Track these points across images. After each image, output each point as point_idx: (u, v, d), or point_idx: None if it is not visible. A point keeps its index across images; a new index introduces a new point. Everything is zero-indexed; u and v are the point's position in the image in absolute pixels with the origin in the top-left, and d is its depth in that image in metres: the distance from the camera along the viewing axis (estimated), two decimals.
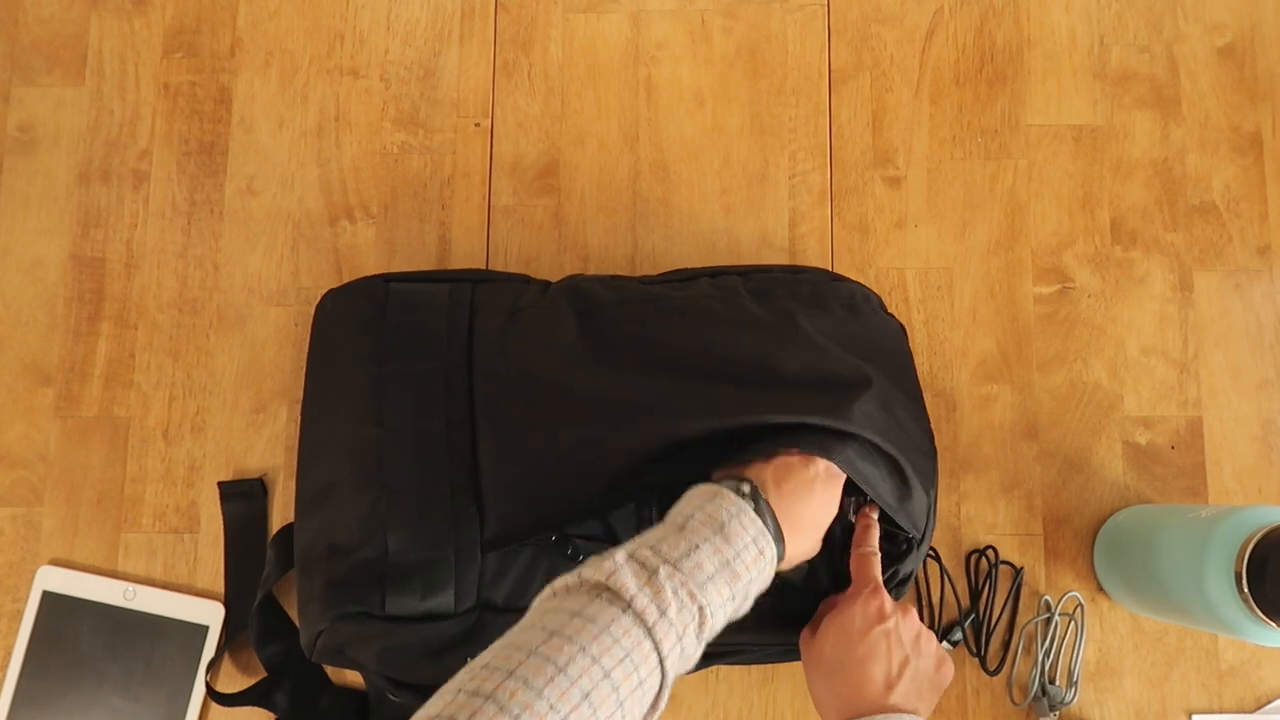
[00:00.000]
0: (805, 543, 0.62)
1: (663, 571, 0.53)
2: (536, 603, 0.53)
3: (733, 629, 0.60)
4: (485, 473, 0.68)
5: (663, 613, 0.51)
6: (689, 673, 0.55)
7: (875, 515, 0.70)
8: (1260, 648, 0.81)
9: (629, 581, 0.51)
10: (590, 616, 0.50)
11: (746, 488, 0.59)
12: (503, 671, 0.46)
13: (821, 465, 0.62)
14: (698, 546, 0.55)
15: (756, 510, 0.58)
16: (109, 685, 0.80)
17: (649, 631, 0.50)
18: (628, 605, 0.51)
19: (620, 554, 0.54)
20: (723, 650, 0.72)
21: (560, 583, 0.53)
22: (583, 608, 0.50)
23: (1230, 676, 0.81)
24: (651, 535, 0.56)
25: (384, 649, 0.66)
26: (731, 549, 0.55)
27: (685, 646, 0.52)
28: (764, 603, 0.60)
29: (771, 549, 0.57)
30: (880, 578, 0.67)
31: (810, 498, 0.61)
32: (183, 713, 0.80)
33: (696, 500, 0.58)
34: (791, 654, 0.74)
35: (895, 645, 0.64)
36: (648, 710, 0.51)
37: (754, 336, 0.70)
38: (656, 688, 0.51)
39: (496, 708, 0.44)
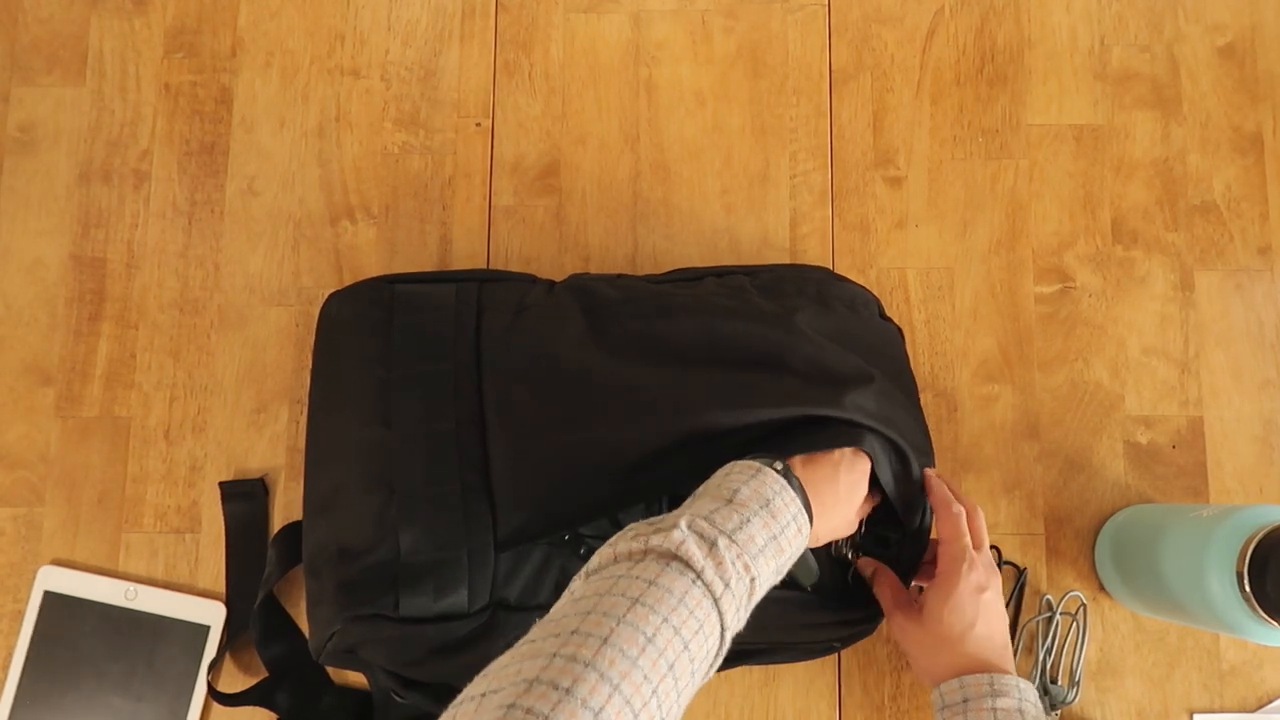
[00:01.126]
0: (835, 520, 0.63)
1: (721, 543, 0.53)
2: (598, 563, 0.54)
3: (760, 627, 0.61)
4: (496, 472, 0.68)
5: (726, 585, 0.52)
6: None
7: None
8: (1261, 647, 0.81)
9: (695, 552, 0.52)
10: (666, 587, 0.51)
11: (780, 465, 0.60)
12: (597, 639, 0.47)
13: (839, 452, 0.64)
14: (749, 520, 0.56)
15: (793, 488, 0.59)
16: (110, 685, 0.80)
17: (716, 603, 0.52)
18: (698, 576, 0.52)
19: (682, 522, 0.54)
20: (750, 650, 0.72)
21: (623, 546, 0.54)
22: (656, 577, 0.51)
23: (1232, 676, 0.81)
24: (701, 506, 0.56)
25: (396, 650, 0.66)
26: (778, 524, 0.57)
27: (740, 619, 0.54)
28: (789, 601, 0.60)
29: (807, 527, 0.59)
30: (969, 545, 0.68)
31: (835, 479, 0.63)
32: (184, 713, 0.80)
33: (740, 475, 0.59)
34: (799, 655, 0.74)
35: (1000, 613, 0.67)
36: (702, 678, 0.53)
37: (761, 331, 0.70)
38: (714, 657, 0.53)
39: (598, 675, 0.45)
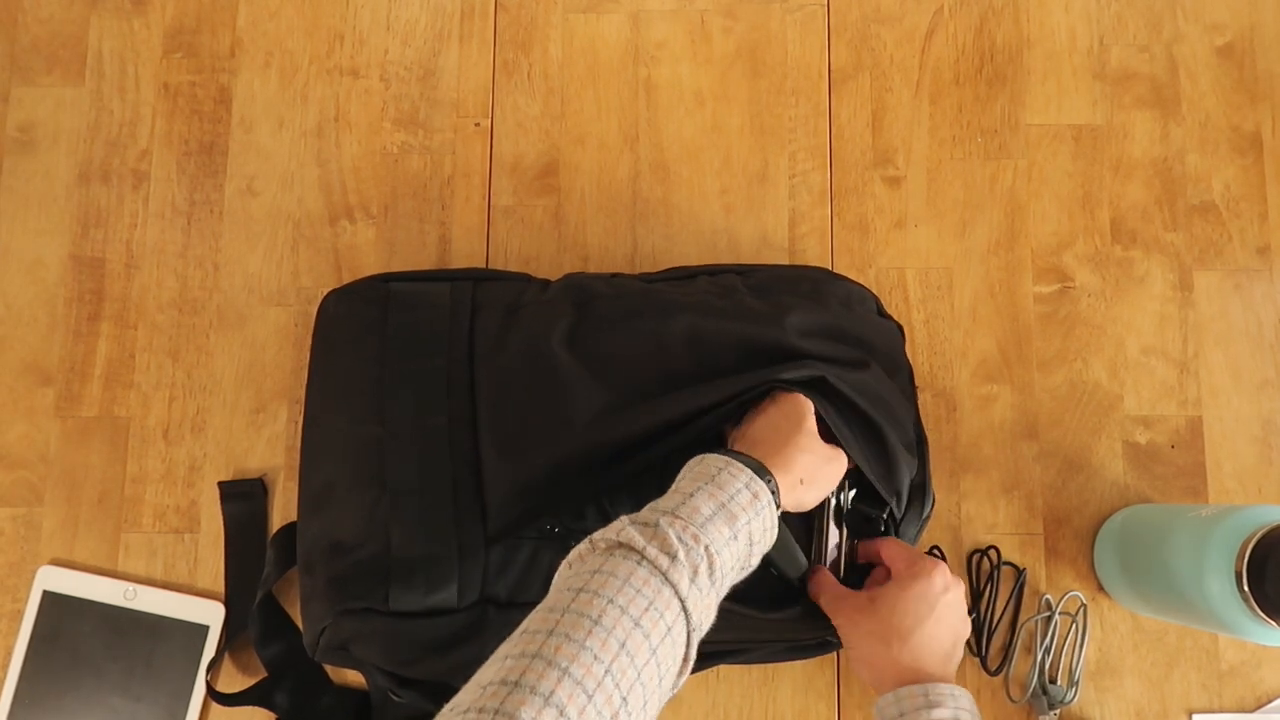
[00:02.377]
0: (804, 464, 0.63)
1: (663, 521, 0.55)
2: (558, 575, 0.55)
3: (734, 627, 0.61)
4: (487, 468, 0.68)
5: (673, 557, 0.53)
6: (698, 666, 0.56)
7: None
8: (1260, 647, 0.81)
9: (635, 536, 0.54)
10: (610, 571, 0.52)
11: (718, 449, 0.61)
12: (543, 633, 0.49)
13: (788, 403, 0.65)
14: (692, 495, 0.57)
15: (741, 461, 0.60)
16: (109, 685, 0.80)
17: (665, 577, 0.52)
18: (641, 556, 0.53)
19: (624, 518, 0.56)
20: (727, 649, 0.73)
21: (574, 552, 0.55)
22: (601, 565, 0.53)
23: (1230, 676, 0.81)
24: (648, 504, 0.58)
25: (388, 645, 0.66)
26: (725, 493, 0.57)
27: (701, 588, 0.54)
28: (763, 597, 0.60)
29: (765, 491, 0.59)
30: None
31: (790, 435, 0.64)
32: (183, 713, 0.80)
33: (685, 468, 0.61)
34: (795, 653, 0.74)
35: (958, 618, 0.67)
36: (680, 664, 0.53)
37: (748, 329, 0.71)
38: (684, 638, 0.53)
39: (545, 663, 0.47)
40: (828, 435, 0.67)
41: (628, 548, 0.53)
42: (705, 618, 0.55)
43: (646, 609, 0.51)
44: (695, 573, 0.54)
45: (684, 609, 0.53)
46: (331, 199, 0.88)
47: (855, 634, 0.66)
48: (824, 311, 0.74)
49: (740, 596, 0.62)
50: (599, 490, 0.68)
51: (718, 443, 0.68)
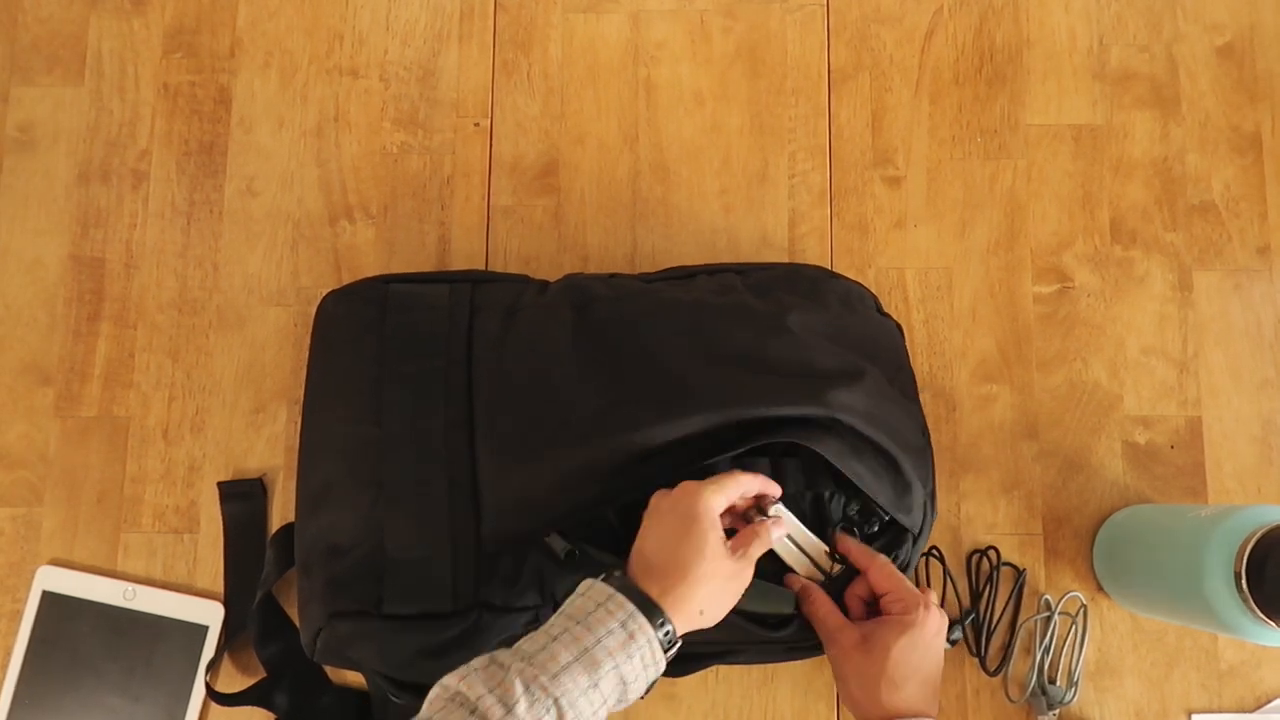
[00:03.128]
0: (707, 586, 0.60)
1: (514, 668, 0.54)
2: (424, 705, 0.55)
3: (726, 627, 0.61)
4: (483, 472, 0.68)
5: (509, 709, 0.52)
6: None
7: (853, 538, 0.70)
8: (1260, 647, 0.81)
9: (478, 683, 0.53)
10: None
11: (617, 572, 0.60)
12: None
13: (684, 513, 0.61)
14: (555, 639, 0.56)
15: (624, 592, 0.58)
16: (109, 685, 0.80)
17: None
18: (474, 707, 0.52)
19: (483, 657, 0.55)
20: (721, 650, 0.72)
21: (431, 693, 0.55)
22: (432, 715, 0.53)
23: (1230, 676, 0.81)
24: (526, 637, 0.57)
25: (383, 648, 0.66)
26: (592, 636, 0.56)
27: None
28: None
29: (646, 628, 0.57)
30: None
31: (689, 562, 0.59)
32: (182, 713, 0.80)
33: (572, 596, 0.59)
34: (794, 653, 0.74)
35: (941, 650, 0.66)
36: None
37: (745, 331, 0.70)
38: None
39: None
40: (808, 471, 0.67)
41: (464, 697, 0.53)
42: None
43: None
44: None
45: None
46: (331, 199, 0.88)
47: (846, 668, 0.65)
48: (824, 311, 0.73)
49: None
50: (594, 501, 0.67)
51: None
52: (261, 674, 0.79)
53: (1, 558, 0.83)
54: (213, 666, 0.80)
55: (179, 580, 0.83)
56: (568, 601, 0.59)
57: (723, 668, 0.81)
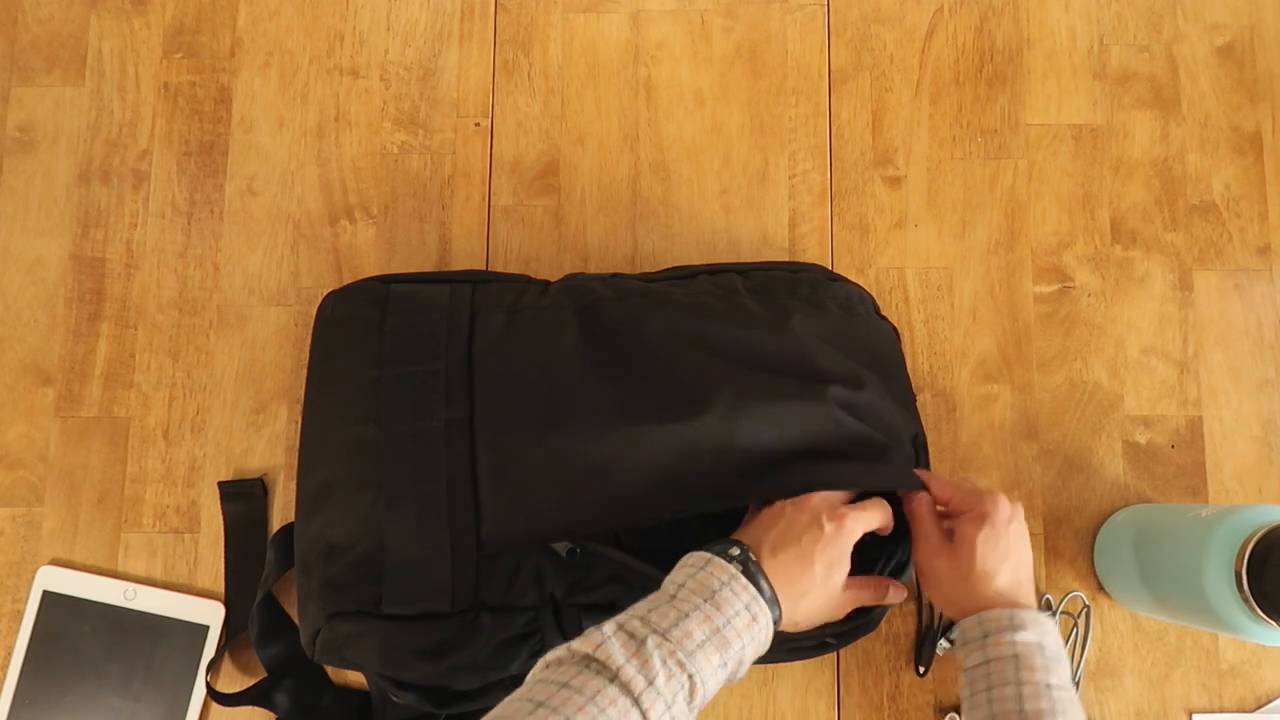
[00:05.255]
0: (814, 603, 0.61)
1: (651, 641, 0.53)
2: (529, 677, 0.54)
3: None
4: (483, 474, 0.68)
5: (650, 682, 0.52)
6: None
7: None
8: (1260, 647, 0.81)
9: (616, 652, 0.52)
10: (577, 687, 0.51)
11: (736, 551, 0.59)
12: None
13: (835, 540, 0.61)
14: (687, 615, 0.55)
15: (747, 575, 0.58)
16: (109, 685, 0.80)
17: (636, 701, 0.51)
18: (614, 675, 0.52)
19: (610, 625, 0.55)
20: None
21: (551, 655, 0.54)
22: (570, 679, 0.52)
23: (1231, 676, 0.81)
24: (642, 606, 0.57)
25: (382, 648, 0.66)
26: (722, 616, 0.56)
27: (676, 715, 0.53)
28: None
29: (766, 614, 0.58)
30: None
31: (809, 564, 0.60)
32: (183, 713, 0.80)
33: (688, 569, 0.59)
34: (794, 654, 0.74)
35: (1026, 544, 0.66)
36: None
37: (748, 334, 0.70)
38: None
39: None
40: None
41: (601, 664, 0.52)
42: None
43: None
44: (673, 700, 0.53)
45: None
46: (331, 199, 0.88)
47: (940, 568, 0.65)
48: (825, 316, 0.74)
49: None
50: (598, 517, 0.67)
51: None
52: (262, 674, 0.79)
53: (1, 558, 0.83)
54: (213, 666, 0.80)
55: (179, 580, 0.83)
56: (684, 573, 0.58)
57: None
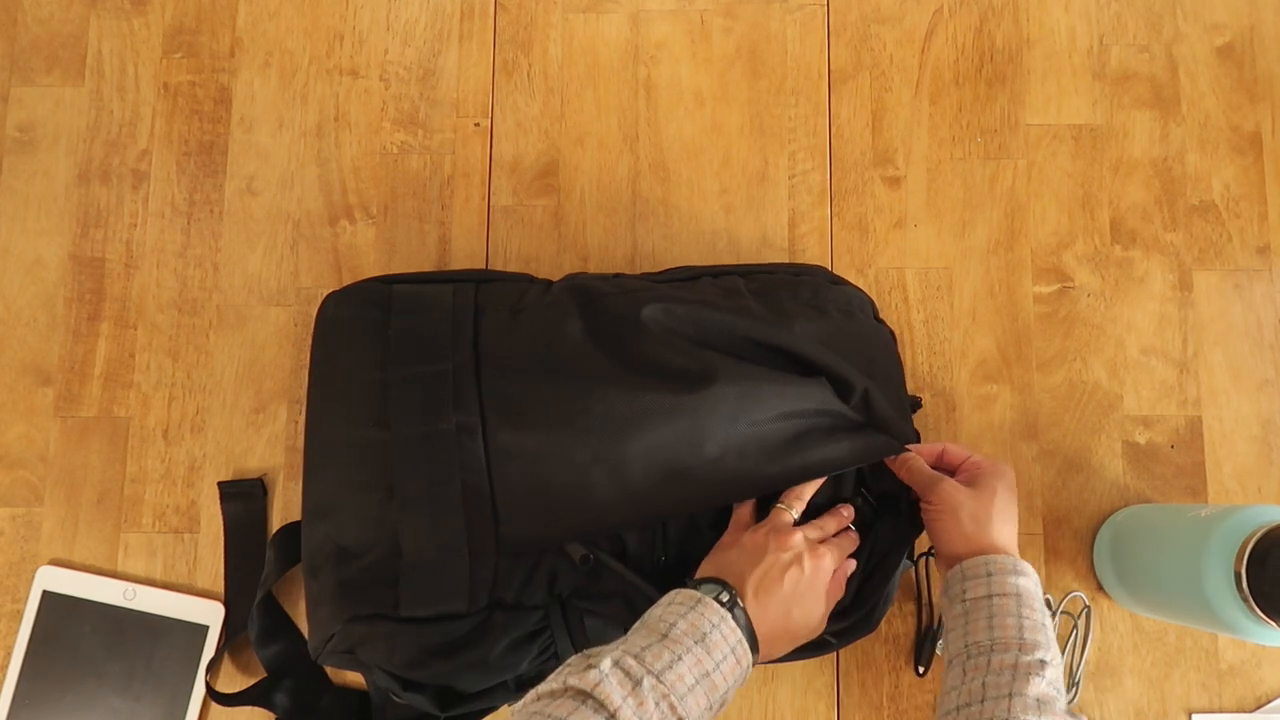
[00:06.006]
0: (779, 648, 0.65)
1: (647, 682, 0.55)
2: (520, 705, 0.55)
3: None
4: (498, 473, 0.68)
5: None
6: None
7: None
8: (1260, 647, 0.81)
9: (614, 692, 0.53)
10: None
11: (726, 596, 0.62)
12: None
13: (807, 565, 0.65)
14: (680, 658, 0.57)
15: (735, 620, 0.60)
16: (109, 685, 0.80)
17: None
18: (612, 716, 0.53)
19: (606, 661, 0.55)
20: None
21: (545, 687, 0.55)
22: (567, 715, 0.52)
23: (1230, 676, 0.81)
24: (635, 641, 0.58)
25: (395, 649, 0.66)
26: (712, 660, 0.58)
27: None
28: None
29: (748, 658, 0.60)
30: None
31: (788, 611, 0.64)
32: (183, 713, 0.80)
33: (679, 606, 0.60)
34: (793, 654, 0.74)
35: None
36: None
37: (752, 331, 0.71)
38: None
39: None
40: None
41: (599, 703, 0.53)
42: None
43: None
44: None
45: None
46: (331, 199, 0.88)
47: (958, 510, 0.68)
48: (826, 320, 0.74)
49: None
50: (613, 515, 0.67)
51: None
52: (261, 674, 0.79)
53: (1, 558, 0.83)
54: (213, 666, 0.80)
55: (179, 580, 0.83)
56: (677, 611, 0.60)
57: None
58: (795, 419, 0.69)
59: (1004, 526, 0.68)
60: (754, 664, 0.62)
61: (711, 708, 0.57)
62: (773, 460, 0.68)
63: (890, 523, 0.72)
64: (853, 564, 0.70)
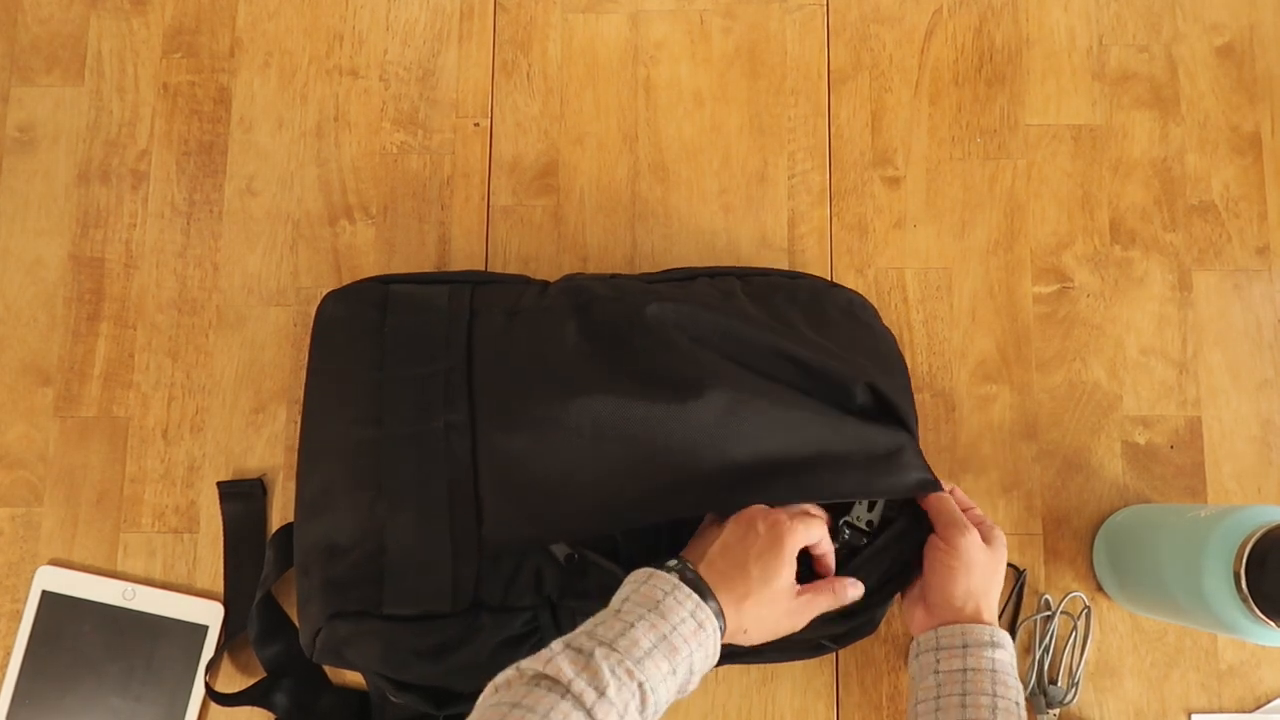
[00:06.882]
0: (762, 609, 0.62)
1: (598, 652, 0.54)
2: (479, 701, 0.54)
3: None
4: (484, 474, 0.68)
5: (601, 693, 0.52)
6: None
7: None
8: (1259, 647, 0.81)
9: (565, 667, 0.53)
10: (529, 706, 0.51)
11: (674, 562, 0.61)
12: None
13: (771, 544, 0.62)
14: (633, 625, 0.56)
15: (688, 583, 0.59)
16: (108, 685, 0.80)
17: (589, 713, 0.52)
18: (566, 690, 0.52)
19: (558, 643, 0.55)
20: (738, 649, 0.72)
21: (501, 678, 0.55)
22: (521, 698, 0.52)
23: (1230, 676, 0.81)
24: (589, 623, 0.57)
25: (382, 648, 0.66)
26: (668, 624, 0.56)
27: None
28: None
29: (712, 621, 0.58)
30: None
31: (744, 567, 0.61)
32: (182, 713, 0.80)
33: (631, 584, 0.60)
34: (792, 655, 0.74)
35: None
36: None
37: (749, 333, 0.71)
38: None
39: None
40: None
41: (553, 680, 0.52)
42: None
43: None
44: (625, 710, 0.53)
45: None
46: (331, 199, 0.88)
47: (967, 564, 0.67)
48: (826, 321, 0.74)
49: None
50: (599, 518, 0.67)
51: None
52: (261, 674, 0.79)
53: (1, 558, 0.83)
54: (213, 666, 0.80)
55: (179, 580, 0.83)
56: (629, 588, 0.59)
57: (721, 668, 0.81)
58: (797, 440, 0.68)
59: (987, 594, 0.68)
60: (723, 630, 0.59)
61: (675, 672, 0.56)
62: (776, 473, 0.67)
63: (908, 539, 0.71)
64: (829, 545, 0.67)
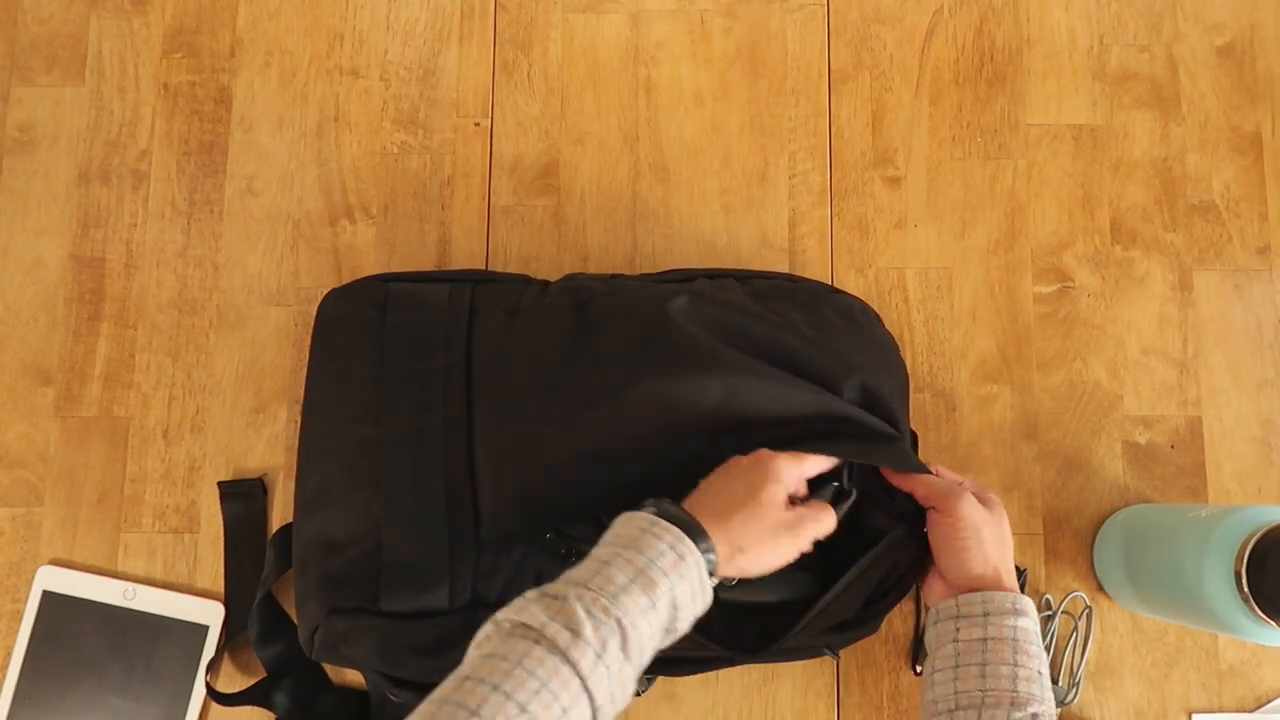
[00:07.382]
0: (750, 525, 0.60)
1: (572, 594, 0.53)
2: (464, 662, 0.53)
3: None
4: (482, 472, 0.68)
5: (576, 634, 0.51)
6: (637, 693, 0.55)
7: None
8: (1260, 647, 0.81)
9: (538, 612, 0.52)
10: (503, 655, 0.51)
11: (650, 500, 0.59)
12: None
13: (754, 467, 0.62)
14: (608, 563, 0.55)
15: (666, 516, 0.57)
16: (109, 685, 0.80)
17: (565, 656, 0.51)
18: (540, 636, 0.51)
19: (532, 591, 0.54)
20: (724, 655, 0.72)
21: (480, 633, 0.54)
22: (495, 649, 0.51)
23: (1230, 676, 0.81)
24: (565, 573, 0.57)
25: (380, 646, 0.66)
26: (644, 558, 0.55)
27: (610, 665, 0.52)
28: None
29: (694, 553, 0.56)
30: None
31: (729, 488, 0.61)
32: (183, 713, 0.80)
33: (610, 531, 0.59)
34: (804, 655, 0.74)
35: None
36: None
37: (750, 324, 0.70)
38: (588, 714, 0.51)
39: None
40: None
41: (526, 627, 0.51)
42: (616, 693, 0.53)
43: (538, 692, 0.49)
44: (603, 648, 0.51)
45: (585, 688, 0.51)
46: (331, 199, 0.88)
47: (973, 528, 0.65)
48: (825, 322, 0.74)
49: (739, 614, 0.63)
50: (594, 501, 0.67)
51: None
52: (262, 674, 0.79)
53: (1, 558, 0.83)
54: (213, 666, 0.80)
55: (179, 580, 0.83)
56: (608, 534, 0.58)
57: (723, 668, 0.81)
58: (791, 424, 0.68)
59: (1011, 556, 0.66)
60: (711, 554, 0.57)
61: (655, 606, 0.54)
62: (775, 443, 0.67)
63: (905, 547, 0.70)
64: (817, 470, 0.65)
